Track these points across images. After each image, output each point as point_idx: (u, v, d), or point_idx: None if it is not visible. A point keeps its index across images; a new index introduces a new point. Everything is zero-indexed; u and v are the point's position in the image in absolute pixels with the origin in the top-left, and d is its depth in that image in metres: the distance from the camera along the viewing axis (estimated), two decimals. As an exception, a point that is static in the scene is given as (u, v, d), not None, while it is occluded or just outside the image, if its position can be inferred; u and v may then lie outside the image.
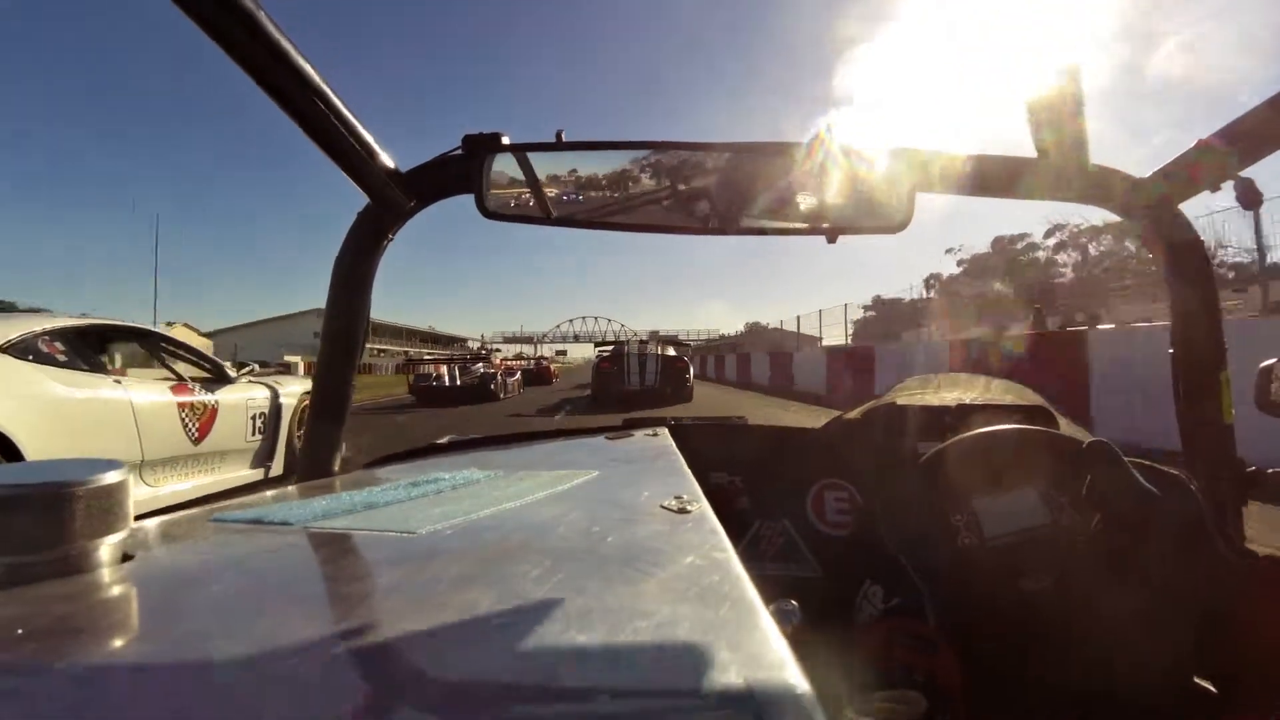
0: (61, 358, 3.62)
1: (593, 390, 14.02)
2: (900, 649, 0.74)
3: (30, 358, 3.37)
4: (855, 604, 0.86)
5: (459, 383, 15.29)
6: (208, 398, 4.30)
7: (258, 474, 4.79)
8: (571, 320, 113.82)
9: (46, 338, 3.57)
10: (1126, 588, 0.79)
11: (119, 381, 3.78)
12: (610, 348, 14.88)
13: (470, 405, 13.79)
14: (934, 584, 0.83)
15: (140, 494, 3.67)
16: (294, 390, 5.21)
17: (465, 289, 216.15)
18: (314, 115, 0.63)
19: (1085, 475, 0.83)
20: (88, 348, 3.99)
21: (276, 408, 4.98)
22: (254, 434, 4.76)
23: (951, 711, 0.64)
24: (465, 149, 0.80)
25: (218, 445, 4.34)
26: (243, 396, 4.66)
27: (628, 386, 13.00)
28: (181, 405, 4.07)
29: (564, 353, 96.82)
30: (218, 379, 4.64)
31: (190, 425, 4.10)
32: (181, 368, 4.61)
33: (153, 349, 4.64)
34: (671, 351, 14.22)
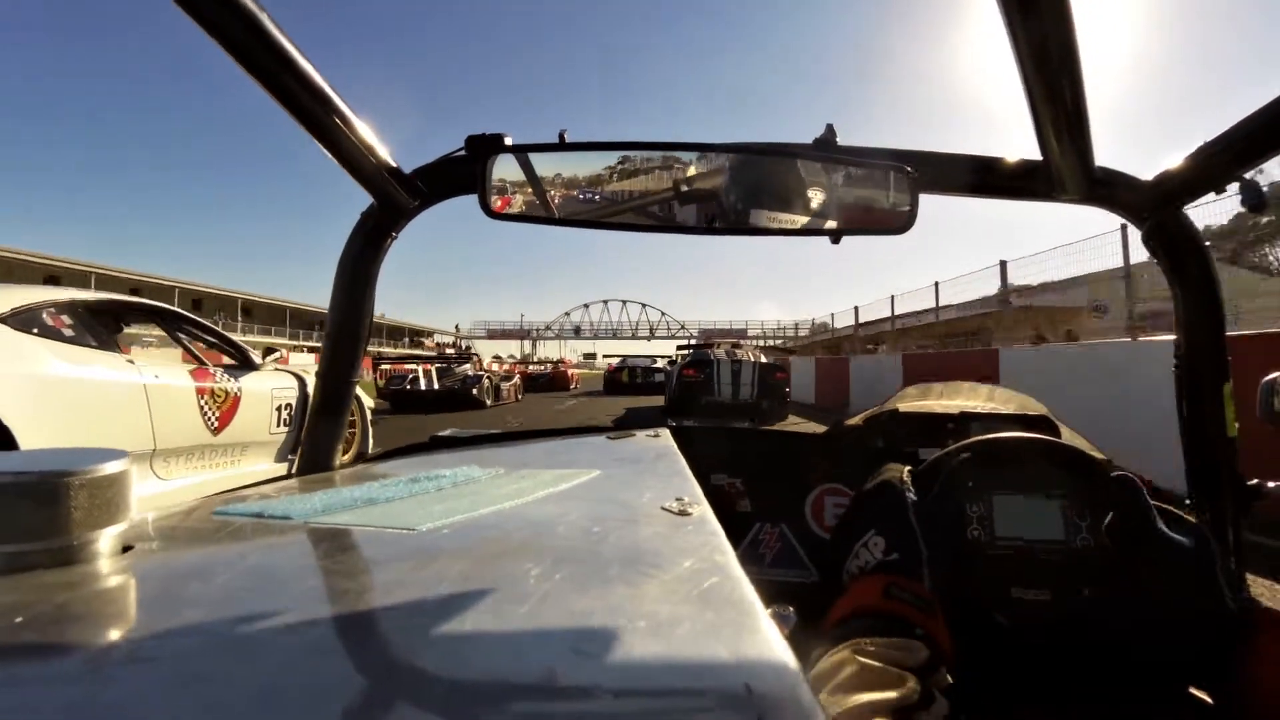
0: (68, 333, 3.32)
1: (668, 402, 11.84)
2: (897, 602, 0.74)
3: (35, 331, 3.09)
4: (854, 550, 0.86)
5: (436, 386, 13.28)
6: (230, 384, 4.00)
7: (281, 469, 4.38)
8: (587, 305, 76.12)
9: (52, 310, 3.29)
10: (1126, 609, 0.79)
11: (132, 361, 3.44)
12: (691, 352, 12.54)
13: (448, 414, 11.86)
14: (936, 553, 0.83)
15: (151, 488, 3.42)
16: None
17: (436, 269, 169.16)
18: (317, 115, 0.64)
19: (1104, 501, 0.83)
20: (99, 325, 3.69)
21: (304, 398, 4.61)
22: (279, 425, 4.42)
23: (948, 670, 0.64)
24: (468, 150, 0.81)
25: (239, 436, 4.04)
26: (268, 385, 4.35)
27: (717, 399, 11.04)
28: (201, 391, 3.76)
29: (592, 356, 68.91)
30: (242, 364, 4.36)
31: (210, 413, 3.81)
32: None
33: (171, 329, 4.32)
34: (764, 359, 12.03)
